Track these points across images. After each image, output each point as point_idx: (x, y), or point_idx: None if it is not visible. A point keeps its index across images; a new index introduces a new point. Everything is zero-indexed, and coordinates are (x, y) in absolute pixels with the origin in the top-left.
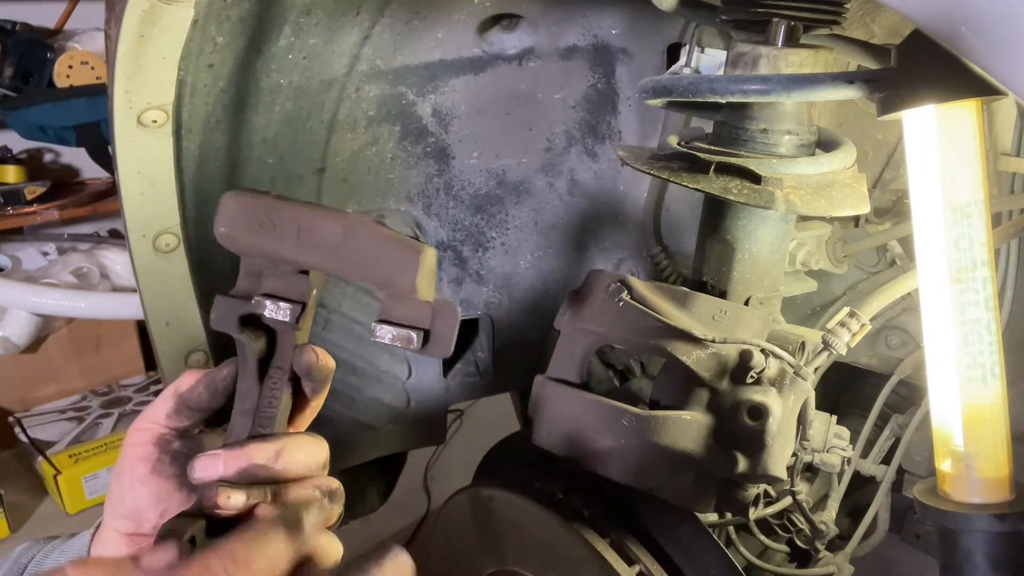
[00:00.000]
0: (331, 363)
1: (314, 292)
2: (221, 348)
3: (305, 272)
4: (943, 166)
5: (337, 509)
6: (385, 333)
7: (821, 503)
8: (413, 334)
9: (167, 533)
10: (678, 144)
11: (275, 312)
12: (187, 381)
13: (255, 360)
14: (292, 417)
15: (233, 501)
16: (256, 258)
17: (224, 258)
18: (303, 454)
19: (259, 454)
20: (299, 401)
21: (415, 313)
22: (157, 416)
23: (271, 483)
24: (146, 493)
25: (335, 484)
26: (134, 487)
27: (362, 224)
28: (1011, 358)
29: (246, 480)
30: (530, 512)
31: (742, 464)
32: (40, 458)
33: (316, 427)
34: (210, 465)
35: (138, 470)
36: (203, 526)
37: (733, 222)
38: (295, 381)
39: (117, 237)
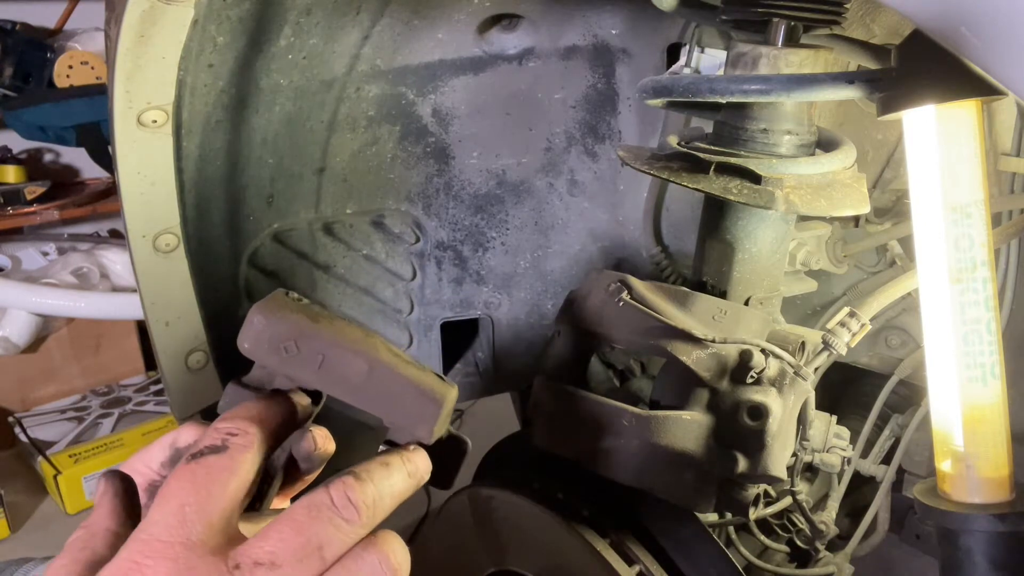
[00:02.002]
0: (330, 448)
1: (324, 400)
2: (222, 348)
3: None
4: (943, 166)
5: None
6: None
7: (821, 503)
8: None
9: None
10: (678, 144)
11: None
12: (186, 436)
13: None
14: (283, 487)
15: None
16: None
17: (224, 258)
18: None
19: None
20: (293, 475)
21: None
22: (151, 461)
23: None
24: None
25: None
26: None
27: (389, 364)
28: (1011, 358)
29: None
30: (530, 512)
31: (742, 464)
32: (40, 458)
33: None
34: None
35: None
36: None
37: (733, 222)
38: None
39: (117, 237)
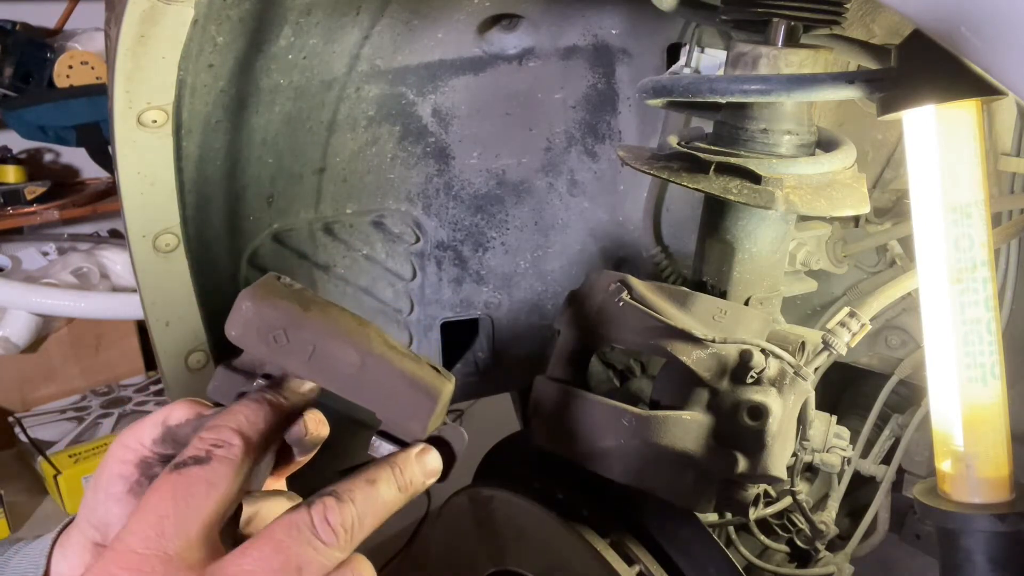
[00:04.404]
0: (323, 432)
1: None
2: (221, 348)
3: None
4: (943, 166)
5: None
6: (384, 449)
7: (821, 503)
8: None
9: None
10: (678, 144)
11: None
12: (178, 415)
13: None
14: (276, 468)
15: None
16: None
17: (224, 258)
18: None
19: None
20: (286, 456)
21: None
22: (143, 438)
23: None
24: (118, 511)
25: None
26: (108, 503)
27: (382, 356)
28: (1011, 358)
29: None
30: (530, 512)
31: (742, 464)
32: (40, 458)
33: None
34: None
35: (115, 487)
36: None
37: (733, 222)
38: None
39: (117, 237)
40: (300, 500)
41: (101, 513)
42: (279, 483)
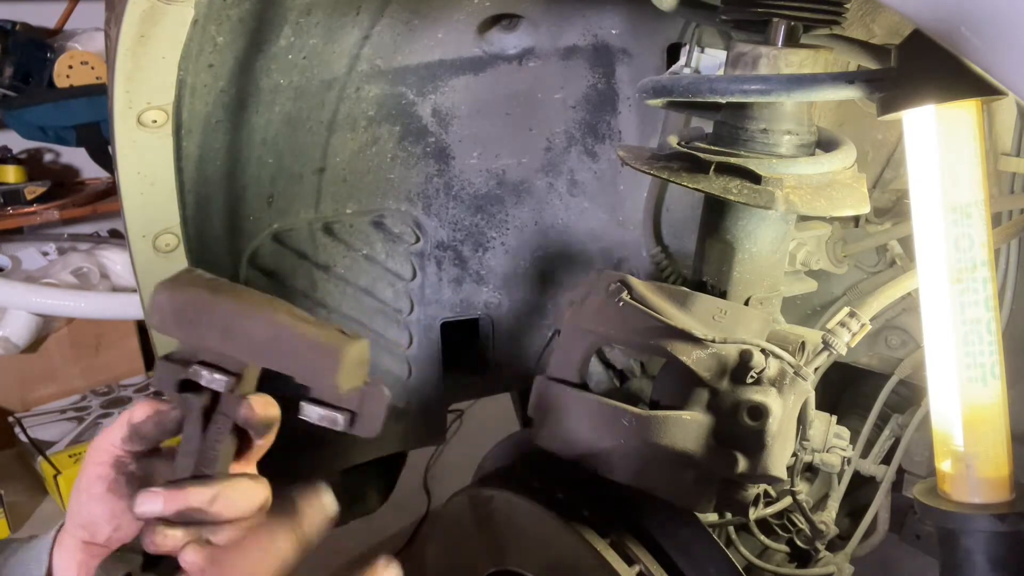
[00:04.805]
0: (272, 412)
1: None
2: None
3: None
4: (943, 166)
5: None
6: (312, 413)
7: (821, 503)
8: (339, 416)
9: (104, 569)
10: (678, 144)
11: (211, 382)
12: (140, 413)
13: (199, 410)
14: (240, 454)
15: (168, 542)
16: None
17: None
18: (239, 497)
19: (196, 497)
20: (246, 442)
21: (345, 394)
22: (113, 440)
23: (207, 523)
24: (101, 510)
25: None
26: (91, 503)
27: (287, 324)
28: (1011, 358)
29: (183, 519)
30: (530, 512)
31: (742, 464)
32: (40, 458)
33: (314, 426)
34: (150, 502)
35: (95, 488)
36: (140, 562)
37: (733, 222)
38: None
39: (117, 237)
40: (264, 480)
41: (86, 514)
42: (249, 467)
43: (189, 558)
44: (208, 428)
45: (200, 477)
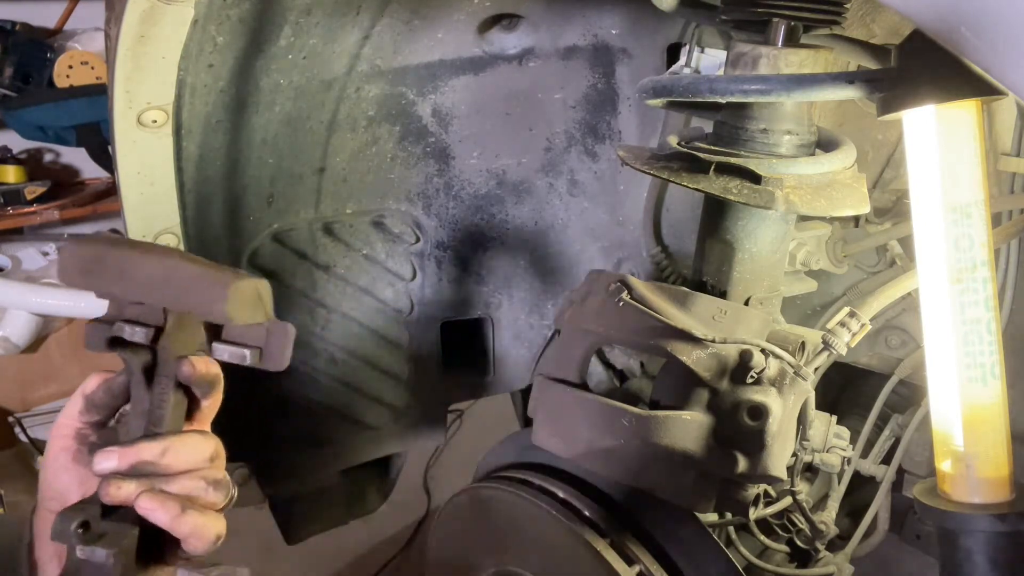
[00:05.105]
0: (212, 370)
1: (169, 315)
2: None
3: None
4: (943, 166)
5: (219, 496)
6: (223, 352)
7: (821, 503)
8: (247, 352)
9: (63, 517)
10: (678, 144)
11: (132, 335)
12: (91, 384)
13: (139, 370)
14: (190, 415)
15: (122, 492)
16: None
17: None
18: (188, 450)
19: (147, 451)
20: (193, 402)
21: (252, 332)
22: (72, 414)
23: (159, 475)
24: (68, 479)
25: (220, 475)
26: (58, 474)
27: (181, 262)
28: (1011, 358)
29: (137, 473)
30: (530, 512)
31: (742, 464)
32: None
33: (314, 426)
34: (106, 459)
35: (61, 460)
36: (97, 511)
37: (733, 222)
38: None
39: None
40: (214, 436)
41: (56, 484)
42: (205, 427)
43: (144, 504)
44: (152, 389)
45: (149, 436)
